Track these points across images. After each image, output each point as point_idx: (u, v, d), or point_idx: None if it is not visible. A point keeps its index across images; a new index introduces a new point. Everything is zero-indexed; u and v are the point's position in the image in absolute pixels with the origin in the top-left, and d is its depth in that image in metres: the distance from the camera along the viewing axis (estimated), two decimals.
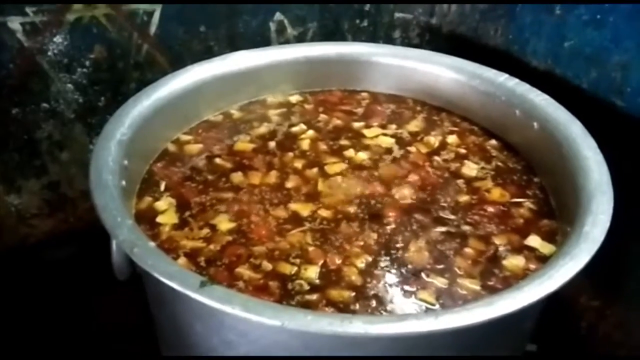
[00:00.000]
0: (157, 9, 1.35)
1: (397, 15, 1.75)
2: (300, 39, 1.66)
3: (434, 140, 1.31)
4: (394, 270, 0.96)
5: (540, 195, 1.14)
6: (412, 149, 1.28)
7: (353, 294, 0.91)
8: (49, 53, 1.25)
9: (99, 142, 1.00)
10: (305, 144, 1.30)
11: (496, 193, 1.14)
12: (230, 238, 1.02)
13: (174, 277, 0.78)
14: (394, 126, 1.37)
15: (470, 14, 1.64)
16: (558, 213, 1.08)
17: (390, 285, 0.93)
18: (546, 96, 1.21)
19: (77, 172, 1.40)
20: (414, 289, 0.93)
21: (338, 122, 1.39)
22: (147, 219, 1.00)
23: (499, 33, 1.55)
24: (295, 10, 1.61)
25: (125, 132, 1.02)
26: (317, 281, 0.94)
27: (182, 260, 0.98)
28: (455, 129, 1.36)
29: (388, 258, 0.99)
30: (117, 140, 1.00)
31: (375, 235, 1.03)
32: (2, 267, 1.31)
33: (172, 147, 1.27)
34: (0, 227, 1.31)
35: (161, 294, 0.97)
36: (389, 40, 1.78)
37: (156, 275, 0.79)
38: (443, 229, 1.05)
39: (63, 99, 1.31)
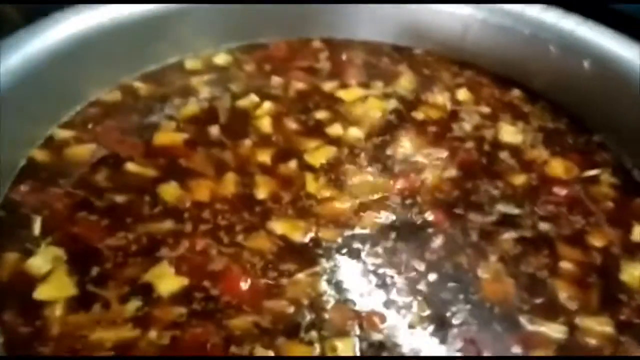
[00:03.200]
0: None
1: None
2: None
3: (442, 99, 0.93)
4: (471, 321, 0.58)
5: (613, 161, 0.81)
6: (419, 115, 0.89)
7: None
8: None
9: None
10: (265, 124, 0.85)
11: (558, 166, 0.80)
12: (183, 310, 0.57)
13: None
14: (379, 84, 0.97)
15: None
16: None
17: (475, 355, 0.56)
18: (594, 23, 0.87)
19: None
20: (520, 352, 0.56)
21: (300, 85, 0.95)
22: (16, 296, 0.59)
23: None
24: None
25: None
26: None
27: None
28: (461, 80, 0.99)
29: (456, 298, 0.60)
30: None
31: (420, 262, 0.64)
32: None
33: (41, 155, 0.76)
34: None
35: None
36: None
37: None
38: (514, 233, 0.69)
39: None
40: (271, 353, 0.54)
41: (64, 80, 0.81)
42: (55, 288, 0.59)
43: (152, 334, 0.55)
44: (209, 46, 1.01)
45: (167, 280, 0.60)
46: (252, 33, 1.04)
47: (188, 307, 0.58)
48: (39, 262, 0.61)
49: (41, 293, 0.59)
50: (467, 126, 0.87)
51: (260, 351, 0.54)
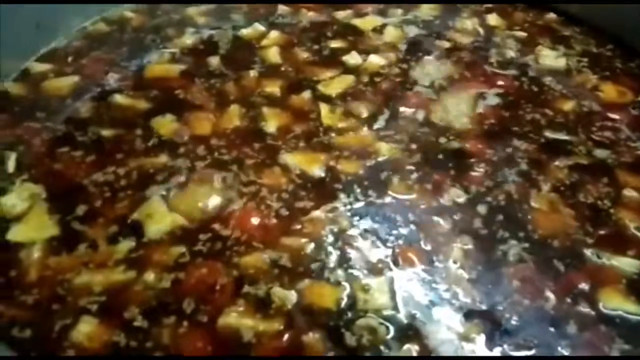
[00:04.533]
0: None
1: None
2: None
3: (471, 24, 0.82)
4: (527, 257, 0.49)
5: None
6: (446, 43, 0.78)
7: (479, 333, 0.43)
8: None
9: None
10: (272, 54, 0.75)
11: (611, 91, 0.70)
12: (183, 249, 0.48)
13: None
14: (398, 11, 0.86)
15: None
16: None
17: (534, 295, 0.46)
18: None
19: None
20: (587, 289, 0.47)
21: (312, 14, 0.84)
22: None
23: None
24: None
25: None
26: (402, 312, 0.44)
27: (89, 323, 0.43)
28: (488, 5, 0.88)
29: (506, 232, 0.51)
30: None
31: (461, 192, 0.55)
32: None
33: (15, 88, 0.67)
34: None
35: None
36: None
37: None
38: (568, 161, 0.59)
39: None
40: (293, 294, 0.45)
41: (41, 8, 0.71)
42: (33, 228, 0.50)
43: (149, 276, 0.46)
44: None
45: (164, 218, 0.51)
46: None
47: (190, 246, 0.49)
48: (12, 200, 0.52)
49: (16, 234, 0.49)
50: (504, 51, 0.76)
51: (279, 291, 0.45)
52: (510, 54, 0.77)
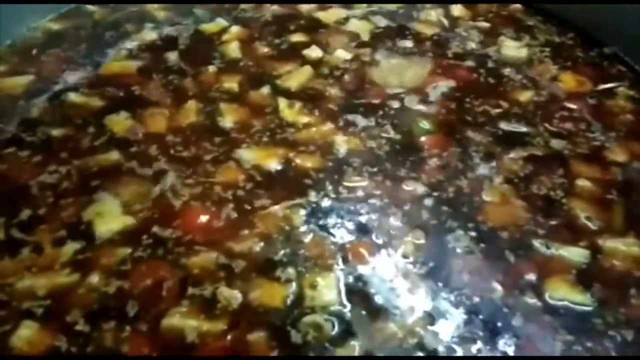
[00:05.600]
0: None
1: None
2: None
3: (435, 15, 0.82)
4: (476, 249, 0.49)
5: (629, 73, 0.71)
6: (409, 35, 0.78)
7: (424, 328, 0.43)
8: None
9: None
10: (232, 49, 0.74)
11: (570, 81, 0.70)
12: (128, 250, 0.47)
13: None
14: (362, 4, 0.85)
15: None
16: None
17: (481, 288, 0.47)
18: None
19: None
20: (534, 280, 0.47)
21: (275, 8, 0.83)
22: None
23: None
24: None
25: None
26: (348, 307, 0.44)
27: (30, 328, 0.42)
28: None
29: (457, 225, 0.51)
30: None
31: (415, 185, 0.55)
32: None
33: None
34: None
35: None
36: None
37: None
38: (523, 152, 0.59)
39: None
40: (238, 293, 0.45)
41: None
42: None
43: (94, 278, 0.46)
44: None
45: (110, 219, 0.50)
46: None
47: (137, 246, 0.48)
48: None
49: None
50: (467, 43, 0.76)
51: (225, 291, 0.45)
52: (472, 45, 0.76)
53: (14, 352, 0.42)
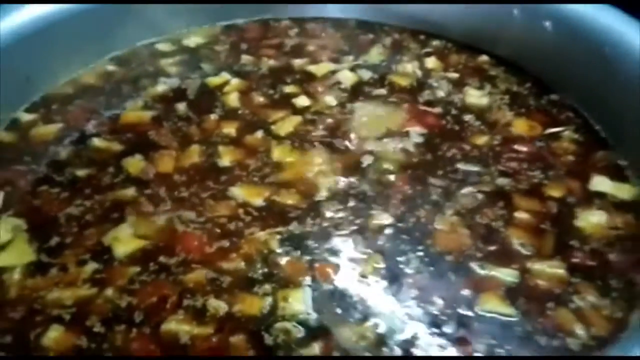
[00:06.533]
0: None
1: None
2: None
3: (411, 68, 0.93)
4: (424, 270, 0.59)
5: (577, 119, 0.81)
6: (387, 86, 0.90)
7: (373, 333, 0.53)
8: None
9: None
10: (232, 99, 0.86)
11: (522, 125, 0.80)
12: (138, 269, 0.58)
13: None
14: (349, 57, 0.97)
15: None
16: (611, 139, 0.77)
17: (425, 301, 0.56)
18: None
19: None
20: (469, 295, 0.56)
21: (272, 62, 0.96)
22: None
23: None
24: None
25: None
26: (313, 316, 0.54)
27: (57, 330, 0.53)
28: (429, 49, 0.99)
29: (411, 250, 0.61)
30: None
31: (380, 217, 0.65)
32: None
33: (6, 136, 0.79)
34: None
35: None
36: None
37: None
38: (472, 189, 0.69)
39: None
40: (224, 304, 0.56)
41: (31, 63, 0.83)
42: (15, 255, 0.61)
43: (108, 292, 0.57)
44: (180, 28, 1.03)
45: (126, 242, 0.62)
46: (223, 15, 1.06)
47: (144, 269, 0.59)
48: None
49: (1, 260, 0.60)
50: (436, 92, 0.87)
51: (213, 302, 0.56)
52: (441, 93, 0.87)
53: (45, 350, 0.52)
